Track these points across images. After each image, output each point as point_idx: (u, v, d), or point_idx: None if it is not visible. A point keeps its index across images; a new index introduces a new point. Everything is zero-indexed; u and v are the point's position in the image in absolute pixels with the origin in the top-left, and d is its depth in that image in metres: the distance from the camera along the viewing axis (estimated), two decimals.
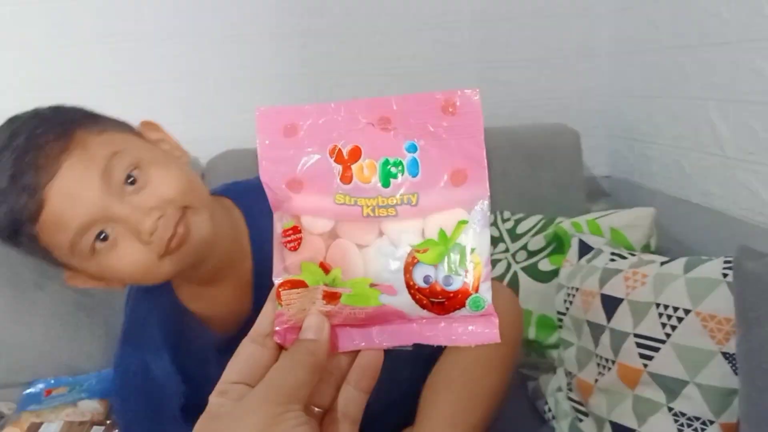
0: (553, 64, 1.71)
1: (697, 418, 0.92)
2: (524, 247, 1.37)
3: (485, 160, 0.57)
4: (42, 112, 0.81)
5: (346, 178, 0.57)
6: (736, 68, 1.22)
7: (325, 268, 0.57)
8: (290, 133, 0.59)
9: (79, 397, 1.27)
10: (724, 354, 0.90)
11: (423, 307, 0.56)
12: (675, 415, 0.94)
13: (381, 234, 0.57)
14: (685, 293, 0.95)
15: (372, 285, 0.56)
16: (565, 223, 1.35)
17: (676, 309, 0.95)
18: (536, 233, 1.38)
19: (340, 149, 0.58)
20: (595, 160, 1.74)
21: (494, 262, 1.40)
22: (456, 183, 0.57)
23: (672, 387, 0.94)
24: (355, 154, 0.58)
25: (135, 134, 0.86)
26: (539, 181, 1.53)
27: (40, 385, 1.34)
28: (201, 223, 0.79)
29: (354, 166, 0.57)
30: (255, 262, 0.89)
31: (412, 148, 0.57)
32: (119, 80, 1.58)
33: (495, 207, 1.48)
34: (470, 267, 0.55)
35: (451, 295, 0.56)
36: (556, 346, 1.26)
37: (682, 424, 0.93)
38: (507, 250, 1.40)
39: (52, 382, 1.35)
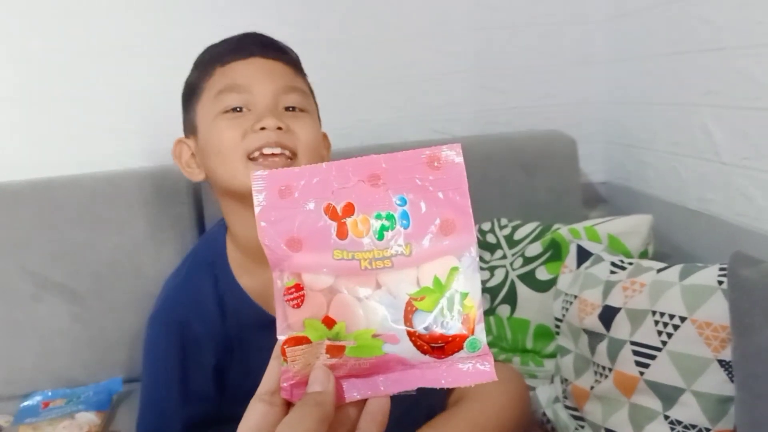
0: (549, 72, 1.71)
1: (694, 426, 0.92)
2: (521, 254, 1.37)
3: (470, 210, 0.61)
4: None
5: (341, 234, 0.61)
6: (730, 74, 1.22)
7: (329, 323, 0.59)
8: (286, 194, 0.62)
9: (77, 409, 1.27)
10: (720, 361, 0.90)
11: (424, 352, 0.58)
12: (671, 423, 0.93)
13: (379, 286, 0.60)
14: (681, 301, 0.95)
15: (375, 335, 0.59)
16: (562, 230, 1.35)
17: (672, 317, 0.95)
18: (533, 240, 1.38)
19: (334, 206, 0.61)
20: (591, 167, 1.75)
21: (492, 270, 1.40)
22: (445, 232, 0.60)
23: (668, 395, 0.94)
24: (349, 210, 0.61)
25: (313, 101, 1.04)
26: (536, 188, 1.53)
27: (38, 398, 1.34)
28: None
29: (348, 222, 0.61)
30: None
31: (402, 202, 0.61)
32: (118, 91, 1.58)
33: (492, 214, 1.48)
34: (465, 311, 0.59)
35: (450, 339, 0.59)
36: (553, 355, 1.26)
37: None
38: (504, 257, 1.40)
39: (50, 394, 1.35)
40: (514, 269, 1.37)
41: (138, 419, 0.99)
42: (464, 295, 0.59)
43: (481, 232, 1.45)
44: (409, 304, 0.59)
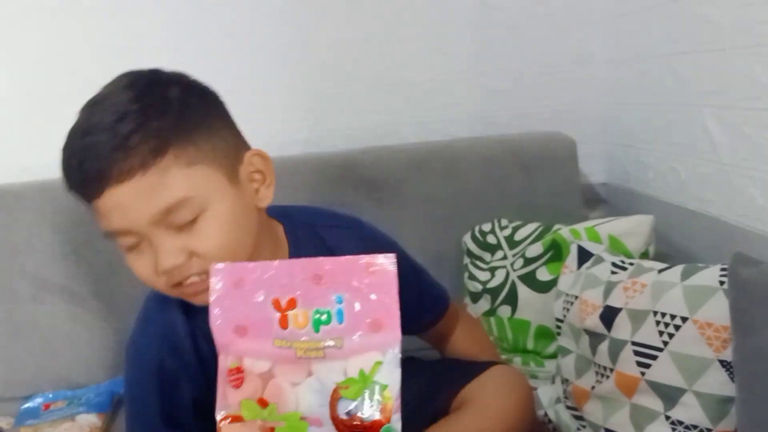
0: (549, 72, 1.71)
1: (695, 426, 0.92)
2: (522, 255, 1.37)
3: (398, 312, 0.71)
4: (173, 97, 0.85)
5: (283, 324, 0.70)
6: (730, 75, 1.22)
7: (263, 404, 0.68)
8: (239, 285, 0.72)
9: (78, 410, 1.27)
10: (722, 362, 0.90)
11: None
12: (672, 423, 0.93)
13: (311, 373, 0.69)
14: (682, 301, 0.95)
15: (302, 418, 0.67)
16: (563, 230, 1.35)
17: (673, 317, 0.95)
18: (534, 240, 1.38)
19: (279, 300, 0.71)
20: (591, 168, 1.75)
21: (493, 270, 1.40)
22: (374, 330, 0.70)
23: (669, 395, 0.94)
24: (292, 304, 0.71)
25: (226, 170, 0.86)
26: (536, 189, 1.54)
27: (38, 399, 1.34)
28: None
29: (290, 314, 0.70)
30: None
31: (339, 300, 0.71)
32: None
33: (493, 215, 1.48)
34: (384, 400, 0.68)
35: (368, 425, 0.67)
36: (554, 356, 1.26)
37: None
38: (505, 257, 1.40)
39: (50, 396, 1.35)
40: (514, 270, 1.37)
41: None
42: (384, 387, 0.68)
43: (482, 233, 1.45)
44: (335, 391, 0.68)
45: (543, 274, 1.33)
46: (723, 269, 0.94)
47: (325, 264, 0.71)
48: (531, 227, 1.42)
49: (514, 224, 1.45)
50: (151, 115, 0.81)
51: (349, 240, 1.02)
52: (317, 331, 0.70)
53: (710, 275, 0.95)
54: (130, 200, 0.79)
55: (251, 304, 0.71)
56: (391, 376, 0.68)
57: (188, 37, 1.59)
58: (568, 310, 1.16)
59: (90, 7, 1.54)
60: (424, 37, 1.66)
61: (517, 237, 1.41)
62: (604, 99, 1.71)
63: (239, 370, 0.69)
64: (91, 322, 1.40)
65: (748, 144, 1.19)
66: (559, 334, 1.20)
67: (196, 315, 0.94)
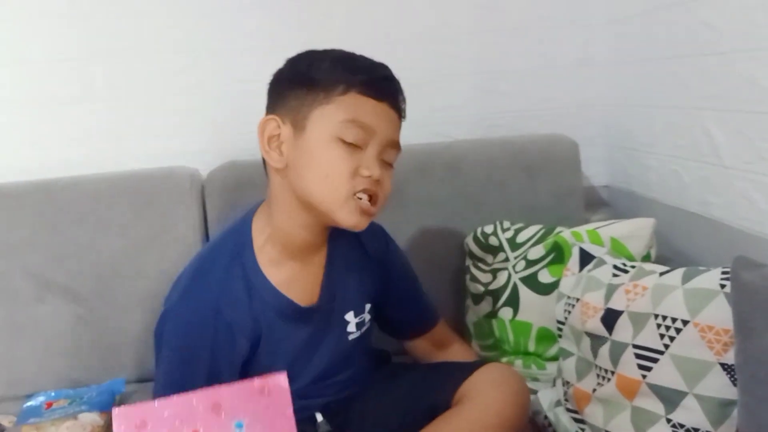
0: (550, 75, 1.72)
1: (696, 429, 0.92)
2: (524, 257, 1.38)
3: (294, 428, 0.75)
4: None
5: None
6: (731, 78, 1.22)
7: None
8: (141, 428, 0.74)
9: (80, 409, 1.27)
10: (723, 365, 0.90)
11: None
12: (674, 426, 0.94)
13: None
14: (683, 304, 0.95)
15: None
16: (565, 233, 1.35)
17: (674, 320, 0.95)
18: (536, 243, 1.38)
19: None
20: (593, 170, 1.75)
21: (494, 272, 1.40)
22: None
23: (670, 398, 0.94)
24: None
25: None
26: (538, 191, 1.54)
27: (41, 398, 1.34)
28: (368, 221, 1.00)
29: None
30: (327, 264, 1.09)
31: (239, 426, 0.74)
32: (120, 92, 1.59)
33: (494, 217, 1.48)
34: None
35: None
36: (555, 358, 1.26)
37: None
38: (507, 260, 1.40)
39: (53, 394, 1.35)
40: (516, 272, 1.37)
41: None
42: None
43: (484, 235, 1.45)
44: None
45: (545, 277, 1.34)
46: (724, 272, 0.94)
47: (223, 392, 0.75)
48: (533, 229, 1.42)
49: (516, 226, 1.45)
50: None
51: (375, 234, 1.18)
52: None
53: (711, 278, 0.95)
54: (394, 123, 1.02)
55: None
56: None
57: (192, 39, 1.59)
58: (569, 312, 1.16)
59: (92, 10, 1.54)
60: (426, 39, 1.67)
61: (519, 239, 1.41)
62: (606, 102, 1.72)
63: None
64: (93, 321, 1.40)
65: (749, 147, 1.19)
66: (560, 336, 1.20)
67: (252, 278, 1.01)
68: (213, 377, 0.97)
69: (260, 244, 1.03)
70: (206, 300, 0.99)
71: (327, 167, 0.96)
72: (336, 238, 1.09)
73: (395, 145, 1.02)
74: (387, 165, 1.02)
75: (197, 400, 0.74)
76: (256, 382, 0.76)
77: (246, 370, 1.02)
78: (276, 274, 1.03)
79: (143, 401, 0.76)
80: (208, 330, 0.98)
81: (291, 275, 1.04)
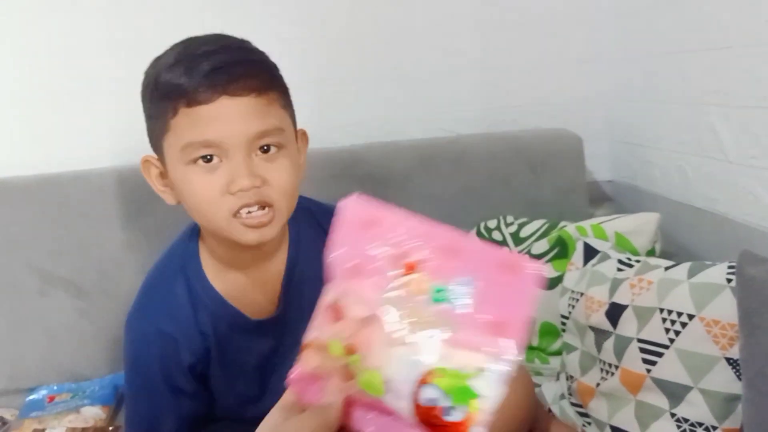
0: (555, 70, 1.71)
1: (700, 424, 0.92)
2: (528, 251, 1.37)
3: (526, 327, 0.60)
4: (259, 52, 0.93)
5: (401, 285, 0.61)
6: (737, 73, 1.22)
7: (350, 350, 0.60)
8: (367, 227, 0.64)
9: (82, 403, 1.27)
10: (728, 359, 0.90)
11: (418, 422, 0.60)
12: (678, 421, 0.93)
13: (413, 341, 0.60)
14: (689, 298, 0.95)
15: (384, 380, 0.60)
16: (569, 228, 1.35)
17: (679, 314, 0.95)
18: (540, 237, 1.38)
19: (407, 256, 0.62)
20: (597, 165, 1.74)
21: None
22: (494, 332, 0.60)
23: (675, 392, 0.94)
24: (419, 267, 0.62)
25: (294, 127, 0.96)
26: (542, 186, 1.53)
27: (43, 392, 1.34)
28: (273, 228, 0.88)
29: (413, 278, 0.61)
30: (286, 271, 0.99)
31: (467, 283, 0.61)
32: (123, 87, 1.58)
33: (498, 212, 1.48)
34: (471, 410, 0.59)
35: (446, 424, 0.59)
36: (559, 353, 1.26)
37: (684, 430, 0.93)
38: None
39: (55, 388, 1.35)
40: None
41: (127, 416, 1.00)
42: (475, 396, 0.59)
43: (487, 230, 1.45)
44: (428, 374, 0.59)
45: (548, 271, 1.33)
46: (730, 267, 0.94)
47: (468, 241, 0.64)
48: (537, 224, 1.41)
49: (519, 221, 1.45)
50: (265, 55, 0.92)
51: None
52: (435, 302, 0.61)
53: (717, 273, 0.95)
54: (240, 114, 0.84)
55: (374, 250, 0.63)
56: (490, 389, 0.60)
57: (191, 34, 1.58)
58: (573, 307, 1.16)
59: (93, 4, 1.54)
60: (431, 35, 1.66)
61: (523, 234, 1.41)
62: (611, 97, 1.71)
63: (337, 308, 0.62)
64: (96, 315, 1.40)
65: (754, 142, 1.19)
66: (564, 330, 1.20)
67: (197, 290, 0.97)
68: (173, 387, 0.97)
69: (206, 256, 0.98)
70: (151, 315, 0.97)
71: (194, 198, 0.87)
72: (298, 241, 1.01)
73: (265, 134, 0.86)
74: (270, 156, 0.87)
75: (438, 234, 0.63)
76: (510, 255, 0.65)
77: (206, 382, 1.01)
78: (225, 286, 0.97)
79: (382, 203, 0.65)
80: (153, 345, 0.96)
81: (241, 286, 0.97)
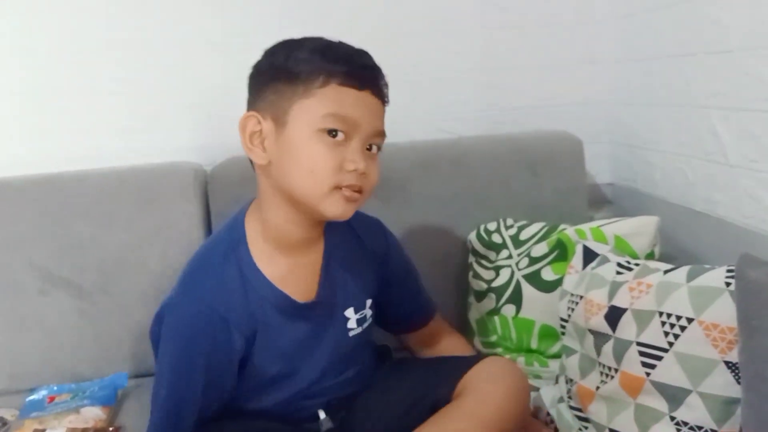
0: (555, 72, 1.71)
1: (700, 427, 0.92)
2: (527, 254, 1.37)
3: None
4: None
5: None
6: (738, 76, 1.22)
7: None
8: None
9: (82, 403, 1.27)
10: (727, 363, 0.90)
11: None
12: (677, 424, 0.93)
13: None
14: (688, 302, 0.95)
15: None
16: (568, 230, 1.35)
17: (679, 318, 0.95)
18: (539, 240, 1.38)
19: None
20: (597, 168, 1.75)
21: (497, 269, 1.40)
22: None
23: (674, 396, 0.94)
24: None
25: None
26: (542, 188, 1.53)
27: (43, 392, 1.34)
28: (354, 210, 0.98)
29: None
30: (324, 259, 1.07)
31: None
32: (125, 88, 1.59)
33: (498, 214, 1.48)
34: None
35: None
36: (558, 356, 1.26)
37: None
38: (510, 257, 1.40)
39: (55, 388, 1.35)
40: (519, 269, 1.37)
41: (153, 413, 1.00)
42: None
43: (487, 232, 1.45)
44: None
45: (548, 274, 1.33)
46: (729, 270, 0.94)
47: None
48: (536, 227, 1.42)
49: (519, 224, 1.45)
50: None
51: (375, 229, 1.18)
52: None
53: (716, 276, 0.95)
54: (374, 110, 0.98)
55: None
56: None
57: (197, 34, 1.59)
58: (572, 309, 1.16)
59: (98, 4, 1.54)
60: (431, 36, 1.66)
61: (523, 236, 1.41)
62: (611, 99, 1.71)
63: None
64: (97, 315, 1.40)
65: (755, 145, 1.19)
66: (563, 333, 1.20)
67: (247, 273, 1.01)
68: (211, 373, 0.98)
69: (254, 240, 1.03)
70: (202, 296, 0.99)
71: (311, 163, 0.94)
72: (333, 233, 1.09)
73: (380, 134, 1.00)
74: (372, 155, 1.00)
75: None
76: None
77: (243, 366, 1.02)
78: (271, 269, 1.02)
79: None
80: (204, 326, 0.98)
81: (286, 270, 1.03)
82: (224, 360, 1.00)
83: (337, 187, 0.94)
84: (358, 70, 0.97)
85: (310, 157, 0.94)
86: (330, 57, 0.96)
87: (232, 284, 1.00)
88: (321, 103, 0.94)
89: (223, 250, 1.03)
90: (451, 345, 1.27)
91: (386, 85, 1.02)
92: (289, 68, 0.96)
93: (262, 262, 1.02)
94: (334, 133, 0.94)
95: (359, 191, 0.96)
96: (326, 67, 0.95)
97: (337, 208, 0.95)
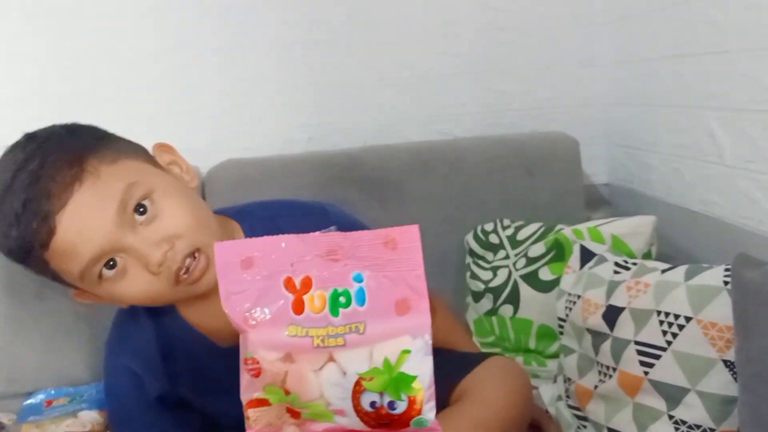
0: (552, 73, 1.71)
1: (698, 426, 0.92)
2: (524, 254, 1.38)
3: (426, 292, 0.63)
4: (57, 133, 0.85)
5: (298, 309, 0.63)
6: (734, 77, 1.22)
7: (286, 391, 0.63)
8: (247, 265, 0.64)
9: (80, 407, 1.27)
10: (725, 362, 0.90)
11: (372, 427, 0.62)
12: (675, 423, 0.93)
13: (332, 359, 0.62)
14: (686, 301, 0.95)
15: (327, 406, 0.62)
16: (565, 230, 1.35)
17: (677, 317, 0.95)
18: (537, 240, 1.38)
19: (292, 279, 0.63)
20: (594, 168, 1.75)
21: (495, 270, 1.40)
22: (400, 312, 0.62)
23: (673, 395, 0.94)
24: (307, 284, 0.63)
25: (147, 160, 0.89)
26: (538, 189, 1.53)
27: (41, 396, 1.34)
28: (213, 267, 0.80)
29: (306, 297, 0.63)
30: None
31: (359, 278, 0.63)
32: (121, 92, 1.58)
33: (495, 215, 1.48)
34: (412, 393, 0.62)
35: (396, 417, 0.62)
36: (556, 355, 1.26)
37: None
38: (507, 257, 1.40)
39: (53, 392, 1.35)
40: (517, 269, 1.37)
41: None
42: (412, 378, 0.62)
43: (484, 233, 1.45)
44: (357, 383, 0.62)
45: (545, 274, 1.34)
46: (727, 269, 0.94)
47: (341, 241, 0.64)
48: (533, 227, 1.42)
49: (516, 224, 1.45)
50: (50, 147, 0.81)
51: (316, 228, 1.02)
52: (336, 315, 0.62)
53: (714, 275, 0.95)
54: (84, 214, 0.77)
55: (261, 287, 0.63)
56: (420, 366, 0.62)
57: (194, 37, 1.59)
58: (570, 309, 1.16)
59: (95, 8, 1.54)
60: (428, 37, 1.66)
61: (520, 237, 1.41)
62: (608, 100, 1.72)
63: (254, 360, 0.62)
64: (94, 319, 1.39)
65: (751, 146, 1.19)
66: (561, 333, 1.20)
67: (166, 321, 0.97)
68: (146, 417, 1.01)
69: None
70: (117, 351, 1.02)
71: (134, 299, 0.87)
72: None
73: (124, 203, 0.79)
74: (147, 213, 0.81)
75: (311, 244, 0.64)
76: (381, 232, 0.64)
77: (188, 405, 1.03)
78: (194, 316, 0.96)
79: (250, 238, 0.65)
80: (122, 378, 1.01)
81: (207, 314, 0.93)
82: (148, 408, 1.00)
83: (177, 283, 0.83)
84: (25, 242, 0.79)
85: (129, 298, 0.87)
86: (11, 251, 0.83)
87: (145, 338, 0.98)
88: (67, 274, 0.83)
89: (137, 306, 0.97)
90: (443, 328, 1.21)
91: (57, 169, 0.78)
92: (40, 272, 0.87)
93: (185, 310, 0.96)
94: (108, 265, 0.81)
95: (193, 253, 0.83)
96: (21, 257, 0.83)
97: (200, 289, 0.85)
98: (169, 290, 0.83)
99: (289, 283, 0.63)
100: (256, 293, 0.63)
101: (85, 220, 0.78)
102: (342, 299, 0.63)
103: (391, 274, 0.63)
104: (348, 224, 0.99)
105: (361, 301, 0.63)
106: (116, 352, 1.02)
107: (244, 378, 0.63)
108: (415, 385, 0.62)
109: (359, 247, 0.64)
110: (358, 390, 0.62)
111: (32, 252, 0.80)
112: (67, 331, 1.39)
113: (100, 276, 0.81)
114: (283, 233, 0.93)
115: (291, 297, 0.63)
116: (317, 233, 0.65)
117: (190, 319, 0.96)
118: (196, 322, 0.97)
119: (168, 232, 0.81)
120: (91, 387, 1.36)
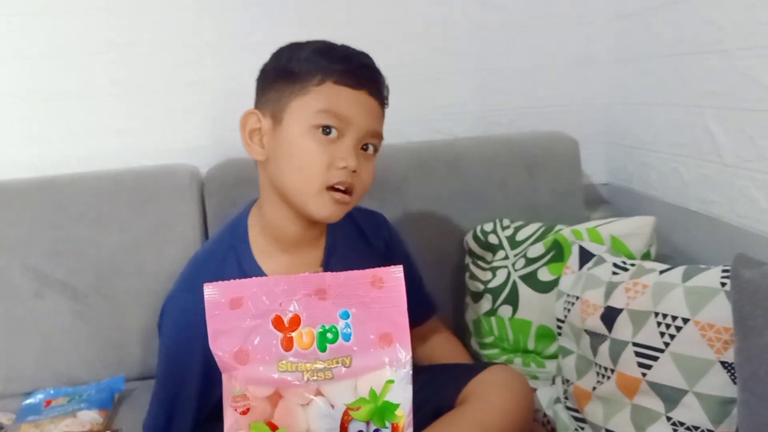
0: (551, 72, 1.71)
1: (696, 428, 0.92)
2: (523, 255, 1.37)
3: (408, 327, 0.68)
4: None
5: (287, 346, 0.67)
6: (733, 76, 1.22)
7: (273, 427, 0.66)
8: (236, 305, 0.69)
9: (79, 407, 1.27)
10: (723, 363, 0.90)
11: None
12: (674, 424, 0.93)
13: (319, 392, 0.67)
14: (684, 302, 0.95)
15: None
16: (564, 231, 1.35)
17: (674, 318, 0.95)
18: (536, 241, 1.38)
19: (281, 318, 0.68)
20: (593, 168, 1.75)
21: (494, 270, 1.40)
22: (383, 345, 0.68)
23: (670, 396, 0.94)
24: (295, 322, 0.68)
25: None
26: (538, 189, 1.53)
27: (40, 396, 1.34)
28: (343, 212, 0.99)
29: (294, 334, 0.68)
30: (325, 257, 1.07)
31: (345, 315, 0.68)
32: (120, 89, 1.59)
33: (494, 215, 1.48)
34: (395, 420, 0.66)
35: None
36: (554, 356, 1.26)
37: None
38: (506, 257, 1.40)
39: (52, 392, 1.35)
40: (516, 270, 1.37)
41: (151, 403, 1.01)
42: (395, 406, 0.66)
43: (483, 233, 1.45)
44: (345, 413, 0.66)
45: (544, 275, 1.33)
46: (724, 270, 0.94)
47: (329, 279, 0.70)
48: (533, 227, 1.42)
49: (515, 224, 1.45)
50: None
51: (377, 223, 1.20)
52: (323, 350, 0.67)
53: (712, 277, 0.95)
54: (369, 110, 0.99)
55: (251, 326, 0.69)
56: (402, 395, 0.67)
57: (192, 36, 1.59)
58: (569, 310, 1.16)
59: (92, 6, 1.54)
60: (427, 37, 1.66)
61: (519, 237, 1.41)
62: (607, 100, 1.72)
63: (244, 397, 0.66)
64: (93, 318, 1.40)
65: (750, 146, 1.19)
66: (560, 334, 1.20)
67: (246, 269, 1.01)
68: (209, 364, 0.97)
69: (255, 237, 1.04)
70: (199, 288, 1.00)
71: (302, 159, 0.95)
72: (335, 227, 1.08)
73: (376, 135, 1.01)
74: (367, 155, 1.01)
75: (300, 284, 0.69)
76: (369, 272, 0.71)
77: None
78: (270, 266, 1.03)
79: (238, 279, 0.70)
80: (201, 317, 0.98)
81: (286, 267, 1.03)
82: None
83: (328, 188, 0.95)
84: (354, 69, 0.98)
85: (302, 153, 0.95)
86: (329, 57, 0.98)
87: (230, 277, 1.00)
88: (315, 100, 0.96)
89: (224, 246, 1.05)
90: (447, 348, 1.27)
91: (387, 88, 1.03)
92: (289, 68, 0.99)
93: (262, 258, 1.03)
94: (327, 129, 0.95)
95: (349, 192, 0.97)
96: (324, 66, 0.97)
97: (324, 209, 0.96)
98: (320, 183, 0.95)
99: (278, 322, 0.68)
100: (245, 332, 0.68)
101: (364, 109, 0.98)
102: (329, 335, 0.68)
103: (375, 311, 0.69)
104: (397, 238, 1.24)
105: (347, 336, 0.68)
106: (200, 289, 1.02)
107: (231, 416, 0.67)
108: (398, 412, 0.66)
109: (347, 286, 0.70)
110: (346, 420, 0.66)
111: (327, 73, 0.96)
112: (66, 330, 1.39)
113: (318, 127, 0.95)
114: (354, 219, 1.11)
115: (280, 335, 0.68)
116: (306, 273, 0.71)
117: (269, 272, 1.02)
118: (271, 272, 1.02)
119: (359, 170, 0.97)
120: (90, 387, 1.36)
